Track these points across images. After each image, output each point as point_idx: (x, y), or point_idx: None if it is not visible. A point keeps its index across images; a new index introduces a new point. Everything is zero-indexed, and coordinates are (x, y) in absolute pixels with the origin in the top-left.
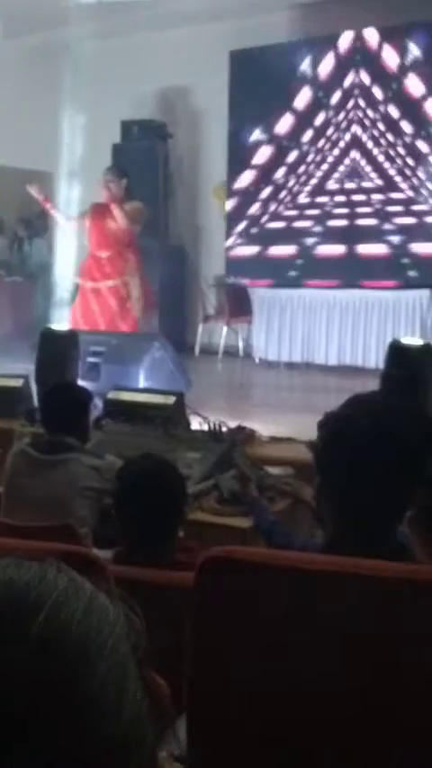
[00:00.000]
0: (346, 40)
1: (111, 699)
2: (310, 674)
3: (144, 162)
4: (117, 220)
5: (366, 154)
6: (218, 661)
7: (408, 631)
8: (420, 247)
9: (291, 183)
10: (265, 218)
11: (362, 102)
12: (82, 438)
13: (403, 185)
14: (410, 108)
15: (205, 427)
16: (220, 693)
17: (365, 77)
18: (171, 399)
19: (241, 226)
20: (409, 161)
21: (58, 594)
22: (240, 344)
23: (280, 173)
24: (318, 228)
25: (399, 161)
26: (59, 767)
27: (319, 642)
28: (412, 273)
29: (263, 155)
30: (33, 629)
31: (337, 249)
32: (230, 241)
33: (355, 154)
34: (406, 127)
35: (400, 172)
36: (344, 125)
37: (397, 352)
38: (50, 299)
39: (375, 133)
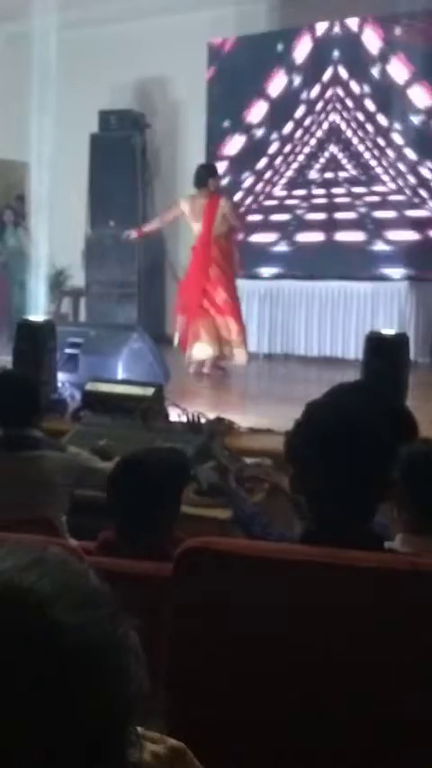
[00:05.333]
0: (324, 27)
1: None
2: (287, 664)
3: (121, 152)
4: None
5: (345, 144)
6: (196, 650)
7: (384, 619)
8: (397, 235)
9: (268, 175)
10: (241, 210)
11: (340, 92)
12: (37, 425)
13: (384, 177)
14: (390, 97)
15: (184, 419)
16: (199, 682)
17: (344, 66)
18: (150, 391)
19: None
20: (389, 152)
21: (63, 560)
22: None
23: (258, 164)
24: (295, 222)
25: (377, 152)
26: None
27: (295, 631)
28: (389, 263)
29: (239, 145)
30: (45, 582)
31: (317, 238)
32: None
33: (333, 145)
34: (383, 119)
35: (379, 163)
36: (322, 116)
37: (374, 342)
38: (27, 288)
39: (354, 124)
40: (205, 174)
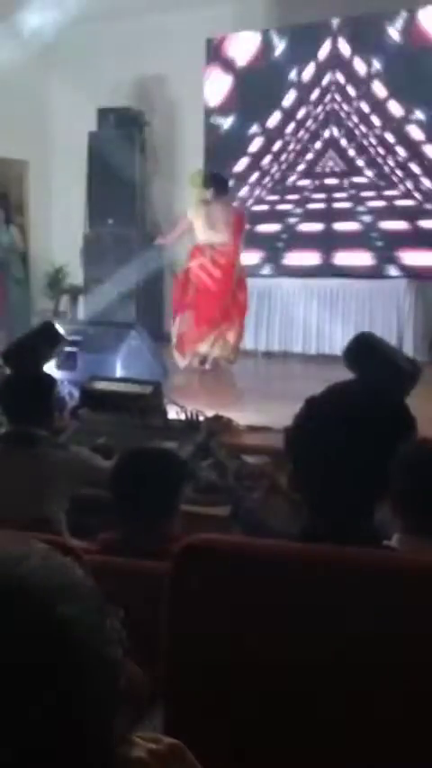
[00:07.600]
0: (326, 29)
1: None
2: (285, 661)
3: (121, 150)
4: None
5: (347, 139)
6: (195, 648)
7: (384, 618)
8: (411, 259)
9: (264, 177)
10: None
11: (340, 76)
12: (47, 426)
13: (392, 178)
14: (411, 73)
15: (182, 416)
16: (197, 680)
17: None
18: (148, 389)
19: None
20: (399, 150)
21: (48, 554)
22: None
23: (254, 162)
24: (287, 234)
25: (383, 149)
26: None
27: (294, 629)
28: (390, 263)
29: (234, 144)
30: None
31: (311, 260)
32: None
33: (331, 141)
34: (376, 120)
35: (385, 161)
36: (321, 116)
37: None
38: (26, 285)
39: (356, 117)
40: (225, 184)
